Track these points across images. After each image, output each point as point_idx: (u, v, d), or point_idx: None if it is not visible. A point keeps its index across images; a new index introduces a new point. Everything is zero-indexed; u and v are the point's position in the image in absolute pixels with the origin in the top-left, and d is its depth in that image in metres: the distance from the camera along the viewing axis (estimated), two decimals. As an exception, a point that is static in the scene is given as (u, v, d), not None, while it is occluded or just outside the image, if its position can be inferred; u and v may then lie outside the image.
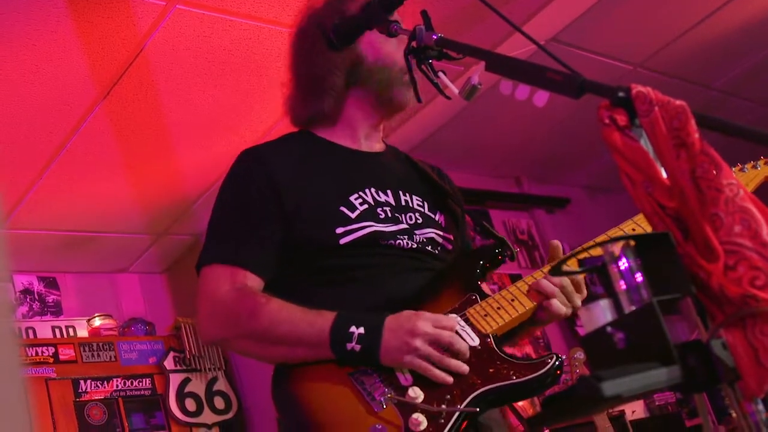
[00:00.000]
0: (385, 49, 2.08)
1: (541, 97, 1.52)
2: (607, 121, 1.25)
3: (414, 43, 1.73)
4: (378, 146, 2.21)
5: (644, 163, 1.20)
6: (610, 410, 4.58)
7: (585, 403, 0.97)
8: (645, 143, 1.22)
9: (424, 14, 1.75)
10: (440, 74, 1.75)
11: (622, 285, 1.09)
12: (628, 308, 1.08)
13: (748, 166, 2.14)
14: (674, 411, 5.54)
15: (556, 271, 1.27)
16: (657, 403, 5.57)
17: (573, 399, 0.99)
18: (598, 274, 1.12)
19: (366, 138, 2.17)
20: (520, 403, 4.64)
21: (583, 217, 6.88)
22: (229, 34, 3.77)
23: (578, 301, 1.93)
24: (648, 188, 1.19)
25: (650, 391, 1.02)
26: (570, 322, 5.95)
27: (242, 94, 4.26)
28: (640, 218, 2.04)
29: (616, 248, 1.11)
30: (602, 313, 1.09)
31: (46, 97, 3.84)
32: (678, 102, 1.20)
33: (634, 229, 2.03)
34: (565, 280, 1.91)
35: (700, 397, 1.22)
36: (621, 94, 1.25)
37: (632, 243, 1.10)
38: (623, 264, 1.10)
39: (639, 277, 1.08)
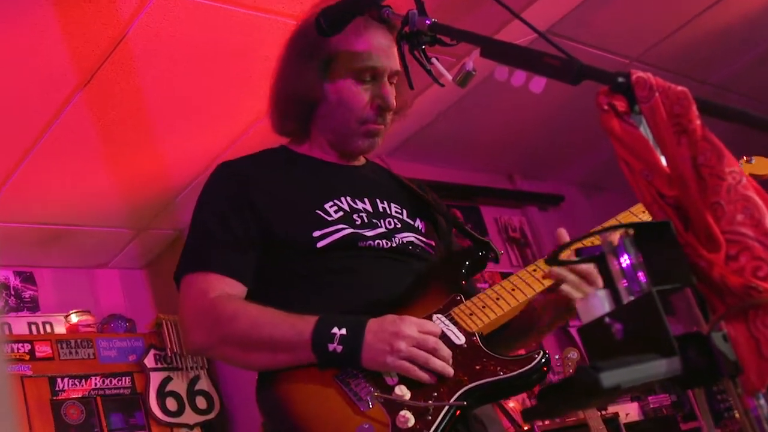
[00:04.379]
0: (351, 94, 2.08)
1: (538, 83, 1.51)
2: (605, 107, 1.24)
3: (406, 29, 1.73)
4: (355, 161, 2.24)
5: (644, 150, 1.19)
6: (604, 412, 4.60)
7: (582, 395, 0.96)
8: (645, 130, 1.21)
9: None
10: (433, 60, 1.75)
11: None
12: (627, 299, 1.07)
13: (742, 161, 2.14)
14: (669, 414, 5.56)
15: (552, 260, 1.27)
16: (651, 406, 5.59)
17: (570, 390, 0.98)
18: (597, 264, 1.12)
19: (341, 156, 2.19)
20: (511, 404, 4.66)
21: (577, 215, 6.89)
22: (216, 21, 3.75)
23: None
24: (647, 176, 1.19)
25: (649, 383, 1.02)
26: (563, 322, 5.96)
27: (229, 84, 4.25)
28: (636, 209, 2.05)
29: (615, 237, 1.11)
30: (600, 303, 1.08)
31: (23, 85, 3.81)
32: (679, 88, 1.20)
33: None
34: (585, 272, 1.89)
35: (700, 392, 1.22)
36: (621, 79, 1.24)
37: (632, 232, 1.10)
38: (622, 253, 1.10)
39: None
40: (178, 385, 5.30)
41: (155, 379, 5.23)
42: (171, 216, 5.51)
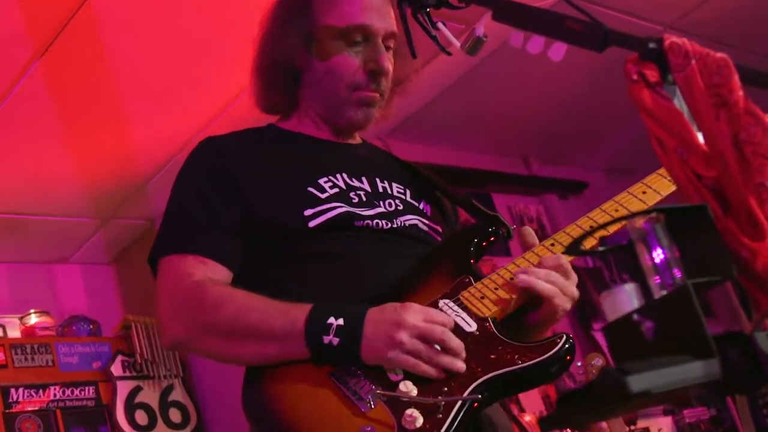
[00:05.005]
0: (341, 58, 2.11)
1: (558, 50, 1.51)
2: (635, 77, 1.24)
3: (409, -10, 1.74)
4: (351, 140, 2.27)
5: (678, 125, 1.20)
6: (633, 427, 4.61)
7: (607, 401, 0.97)
8: (679, 103, 1.21)
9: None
10: (439, 25, 1.76)
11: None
12: (658, 293, 1.07)
13: None
14: (707, 430, 5.55)
15: (572, 250, 1.27)
16: (687, 421, 5.58)
17: (594, 396, 0.98)
18: (623, 254, 1.12)
19: (335, 132, 2.22)
20: (527, 418, 4.66)
21: (601, 204, 6.88)
22: (190, -18, 3.75)
23: (574, 289, 1.92)
24: (682, 155, 1.19)
25: (683, 390, 1.02)
26: (585, 325, 5.98)
27: (205, 57, 4.24)
28: (650, 179, 2.06)
29: (645, 223, 1.11)
30: (628, 298, 1.08)
31: (-28, 54, 3.81)
32: (719, 54, 1.20)
33: (642, 199, 2.05)
34: (554, 275, 1.88)
35: (741, 401, 1.22)
36: (652, 45, 1.25)
37: (663, 217, 1.10)
38: (653, 242, 1.10)
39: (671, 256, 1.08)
40: (149, 395, 5.30)
41: (123, 389, 5.23)
42: (141, 204, 5.50)
